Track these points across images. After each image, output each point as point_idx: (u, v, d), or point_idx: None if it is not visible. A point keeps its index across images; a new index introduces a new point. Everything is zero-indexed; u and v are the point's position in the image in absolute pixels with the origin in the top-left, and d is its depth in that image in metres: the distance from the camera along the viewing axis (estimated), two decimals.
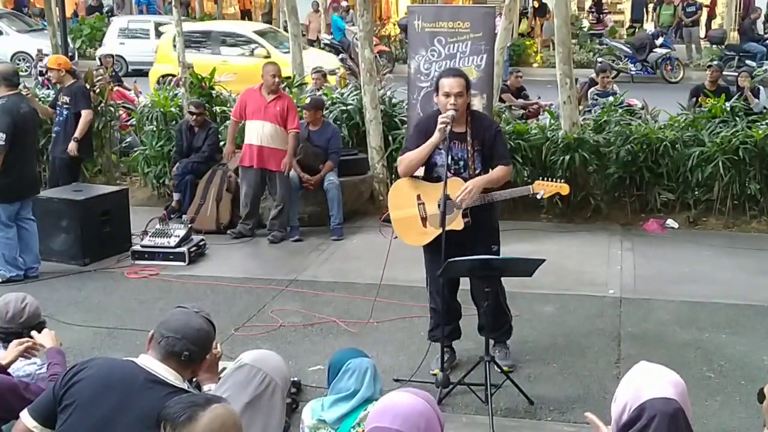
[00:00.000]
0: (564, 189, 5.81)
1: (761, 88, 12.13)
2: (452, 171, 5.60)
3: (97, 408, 3.10)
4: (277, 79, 8.86)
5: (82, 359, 3.41)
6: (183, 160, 9.75)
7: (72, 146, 9.32)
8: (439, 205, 5.57)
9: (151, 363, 3.19)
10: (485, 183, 5.62)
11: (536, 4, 25.74)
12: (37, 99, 10.13)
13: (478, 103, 8.77)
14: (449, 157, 5.57)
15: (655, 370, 2.87)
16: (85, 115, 9.42)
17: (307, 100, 9.58)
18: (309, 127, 9.34)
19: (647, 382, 2.80)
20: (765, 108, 11.34)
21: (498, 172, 5.66)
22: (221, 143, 9.89)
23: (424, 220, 5.72)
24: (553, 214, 9.73)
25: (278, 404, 3.43)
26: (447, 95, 5.54)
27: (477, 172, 5.66)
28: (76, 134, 9.32)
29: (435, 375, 5.61)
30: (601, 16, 25.78)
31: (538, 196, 5.85)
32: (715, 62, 12.71)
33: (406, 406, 2.68)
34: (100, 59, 15.44)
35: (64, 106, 9.43)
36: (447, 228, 5.48)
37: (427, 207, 5.69)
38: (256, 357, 3.45)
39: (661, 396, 2.74)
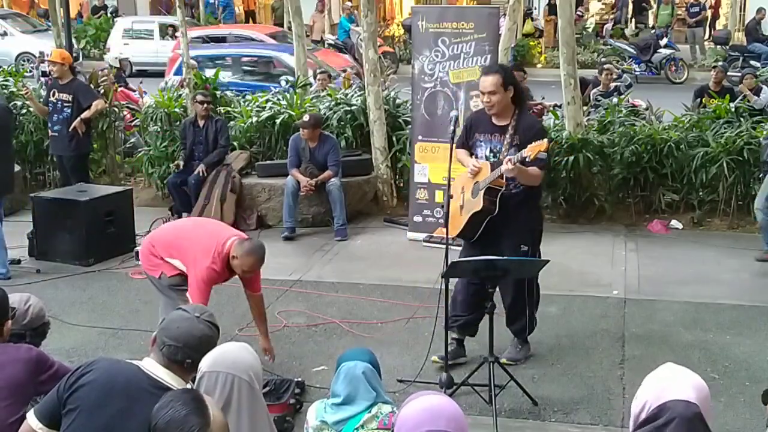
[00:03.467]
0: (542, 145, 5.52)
1: (763, 86, 12.11)
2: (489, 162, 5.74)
3: (101, 413, 3.10)
4: None
5: (87, 360, 3.41)
6: (196, 171, 9.61)
7: (78, 123, 9.31)
8: (472, 193, 5.74)
9: (155, 368, 3.19)
10: (521, 171, 5.57)
11: (555, 1, 25.72)
12: (35, 99, 10.19)
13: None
14: (488, 148, 5.78)
15: (681, 372, 2.85)
16: (99, 103, 9.45)
17: (305, 117, 9.31)
18: (308, 144, 9.26)
19: (670, 383, 2.79)
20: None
21: (534, 170, 5.64)
22: None
23: (461, 208, 5.85)
24: (557, 215, 9.72)
25: (246, 397, 3.36)
26: (481, 93, 5.76)
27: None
28: (86, 114, 9.33)
29: (435, 362, 5.72)
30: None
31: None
32: (720, 63, 12.67)
33: (451, 408, 2.72)
34: (120, 61, 15.64)
35: (65, 104, 9.43)
36: (472, 210, 5.71)
37: (464, 195, 5.82)
38: (211, 360, 3.35)
39: (683, 398, 2.72)
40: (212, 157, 9.58)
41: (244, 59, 16.70)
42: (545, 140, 5.51)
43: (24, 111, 10.95)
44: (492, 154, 5.76)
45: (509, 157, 5.54)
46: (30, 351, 3.94)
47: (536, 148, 5.43)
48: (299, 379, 5.64)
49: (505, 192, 5.69)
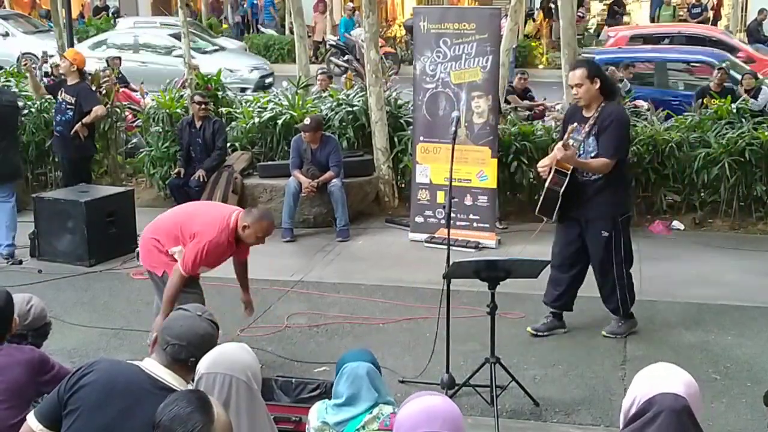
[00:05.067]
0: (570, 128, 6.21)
1: (763, 87, 12.10)
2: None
3: (103, 414, 3.10)
4: None
5: (88, 360, 3.41)
6: (197, 174, 9.61)
7: (79, 127, 9.31)
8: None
9: (156, 368, 3.19)
10: (579, 162, 6.16)
11: (552, 6, 25.72)
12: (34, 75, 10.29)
13: (483, 105, 8.79)
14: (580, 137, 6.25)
15: (670, 368, 2.88)
16: (98, 109, 9.44)
17: (306, 120, 9.29)
18: (310, 145, 9.26)
19: (659, 378, 2.81)
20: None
21: (593, 161, 6.18)
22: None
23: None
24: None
25: (245, 398, 3.36)
26: (570, 87, 6.34)
27: (592, 155, 6.19)
28: (86, 119, 9.33)
29: (530, 333, 6.53)
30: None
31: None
32: (723, 65, 12.66)
33: (448, 409, 2.73)
34: (107, 60, 15.45)
35: (68, 106, 9.42)
36: (546, 186, 6.34)
37: None
38: (209, 362, 3.34)
39: (671, 392, 2.73)
40: (210, 162, 9.59)
41: (679, 63, 14.45)
42: (574, 124, 6.16)
43: (26, 112, 10.96)
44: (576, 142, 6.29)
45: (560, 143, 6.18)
46: (32, 352, 3.94)
47: (570, 130, 6.16)
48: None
49: (586, 178, 6.25)
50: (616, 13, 26.45)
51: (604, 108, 6.19)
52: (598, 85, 6.14)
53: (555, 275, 6.59)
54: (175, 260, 5.74)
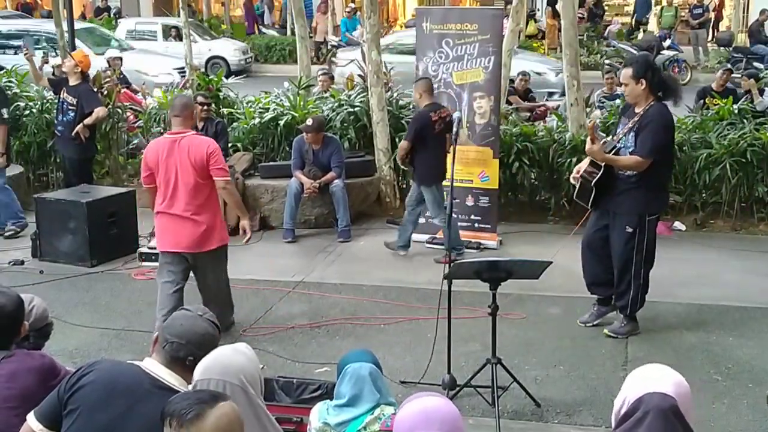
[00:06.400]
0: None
1: (767, 89, 12.09)
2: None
3: (103, 414, 3.10)
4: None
5: (89, 361, 3.41)
6: None
7: (80, 128, 9.32)
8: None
9: (157, 368, 3.19)
10: (606, 158, 6.28)
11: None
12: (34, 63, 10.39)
13: (485, 105, 8.79)
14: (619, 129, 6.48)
15: (662, 369, 2.89)
16: (99, 110, 9.46)
17: (309, 121, 9.26)
18: (312, 146, 9.26)
19: (649, 379, 2.82)
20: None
21: (625, 158, 6.28)
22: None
23: None
24: (560, 216, 9.71)
25: (241, 403, 3.33)
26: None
27: (630, 151, 6.26)
28: (87, 120, 9.34)
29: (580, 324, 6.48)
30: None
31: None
32: (728, 66, 12.66)
33: (447, 411, 2.73)
34: (108, 61, 15.44)
35: (69, 106, 9.44)
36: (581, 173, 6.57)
37: None
38: (203, 368, 3.32)
39: (659, 391, 2.75)
40: None
41: None
42: (596, 119, 6.58)
43: (27, 112, 10.98)
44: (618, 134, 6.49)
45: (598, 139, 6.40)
46: (43, 359, 3.93)
47: (591, 124, 6.50)
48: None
49: (621, 172, 6.33)
50: (595, 15, 26.41)
51: (651, 107, 6.26)
52: (643, 86, 6.21)
53: (584, 260, 6.79)
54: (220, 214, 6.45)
